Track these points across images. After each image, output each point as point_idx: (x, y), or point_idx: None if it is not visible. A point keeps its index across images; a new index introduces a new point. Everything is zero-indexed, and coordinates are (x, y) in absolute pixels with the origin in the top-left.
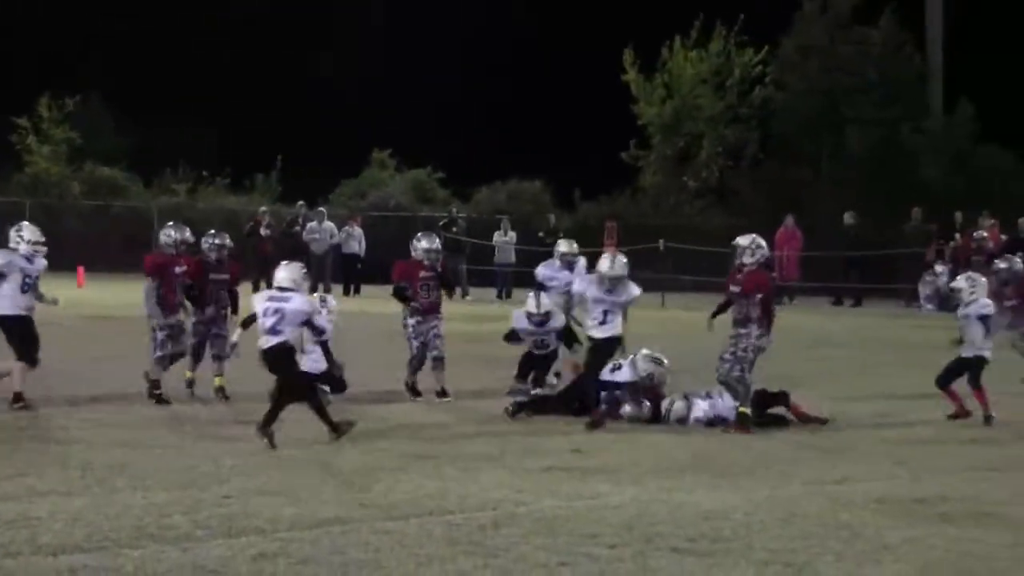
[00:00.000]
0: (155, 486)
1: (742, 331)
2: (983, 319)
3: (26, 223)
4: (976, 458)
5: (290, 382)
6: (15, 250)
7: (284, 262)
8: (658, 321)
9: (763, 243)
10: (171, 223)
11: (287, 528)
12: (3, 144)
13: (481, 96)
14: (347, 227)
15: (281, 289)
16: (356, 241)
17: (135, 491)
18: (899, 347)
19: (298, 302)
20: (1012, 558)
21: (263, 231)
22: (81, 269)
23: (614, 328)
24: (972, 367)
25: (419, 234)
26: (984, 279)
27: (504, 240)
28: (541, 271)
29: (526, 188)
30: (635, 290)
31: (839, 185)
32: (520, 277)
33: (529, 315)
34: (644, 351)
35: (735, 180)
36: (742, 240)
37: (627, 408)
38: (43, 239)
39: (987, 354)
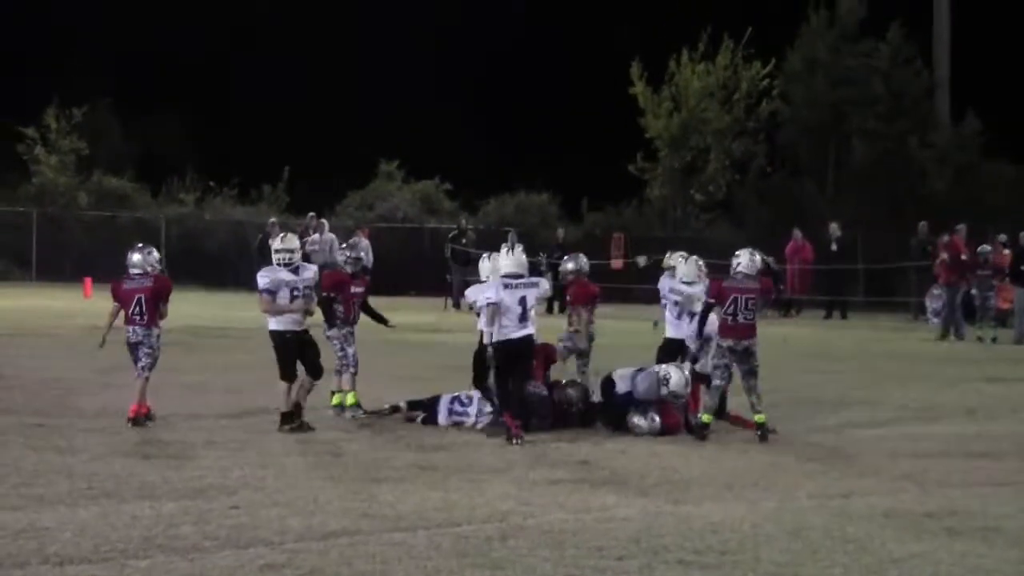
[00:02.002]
0: (162, 497)
1: None
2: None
3: (286, 233)
4: (984, 472)
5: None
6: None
7: (505, 250)
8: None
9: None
10: (347, 244)
11: (295, 539)
12: (10, 154)
13: (489, 108)
14: (354, 238)
15: (516, 276)
16: (363, 253)
17: (142, 502)
18: (906, 360)
19: (544, 286)
20: (1019, 574)
21: (272, 242)
22: (89, 280)
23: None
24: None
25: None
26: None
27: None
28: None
29: (533, 200)
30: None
31: (845, 198)
32: None
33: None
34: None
35: (742, 193)
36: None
37: (637, 421)
38: (290, 247)
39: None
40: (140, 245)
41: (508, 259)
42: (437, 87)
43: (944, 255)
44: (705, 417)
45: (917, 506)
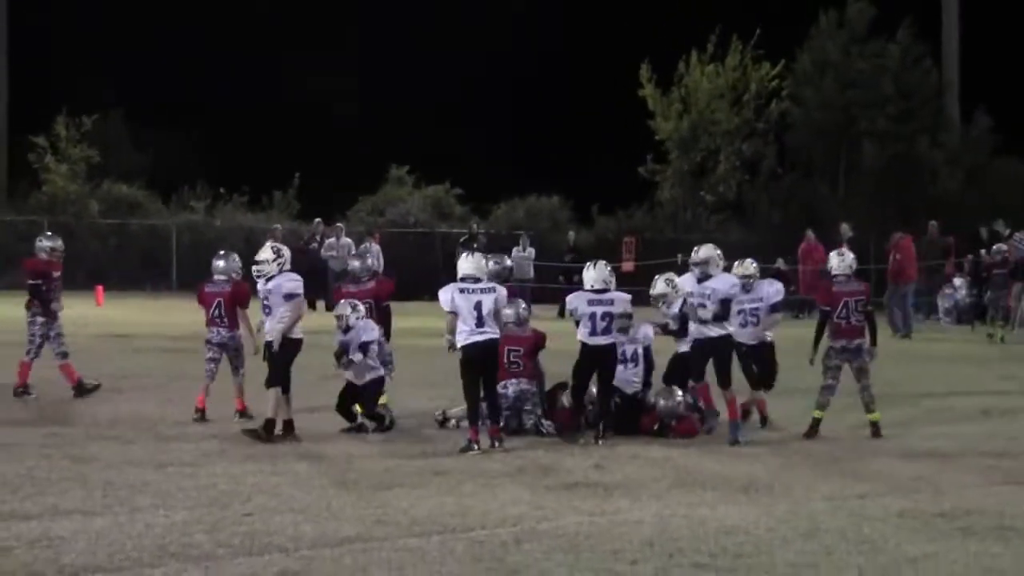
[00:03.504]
0: (176, 505)
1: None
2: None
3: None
4: (998, 472)
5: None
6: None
7: (464, 253)
8: None
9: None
10: (356, 252)
11: (309, 546)
12: (21, 163)
13: (498, 112)
14: (365, 244)
15: (473, 279)
16: (374, 258)
17: (157, 510)
18: (918, 360)
19: (502, 293)
20: None
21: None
22: (100, 288)
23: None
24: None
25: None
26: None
27: (522, 256)
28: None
29: (544, 204)
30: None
31: (856, 199)
32: (539, 293)
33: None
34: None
35: (752, 194)
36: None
37: (663, 401)
38: (259, 257)
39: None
40: (223, 252)
41: (466, 262)
42: (446, 92)
43: (896, 256)
44: (816, 413)
45: (932, 506)
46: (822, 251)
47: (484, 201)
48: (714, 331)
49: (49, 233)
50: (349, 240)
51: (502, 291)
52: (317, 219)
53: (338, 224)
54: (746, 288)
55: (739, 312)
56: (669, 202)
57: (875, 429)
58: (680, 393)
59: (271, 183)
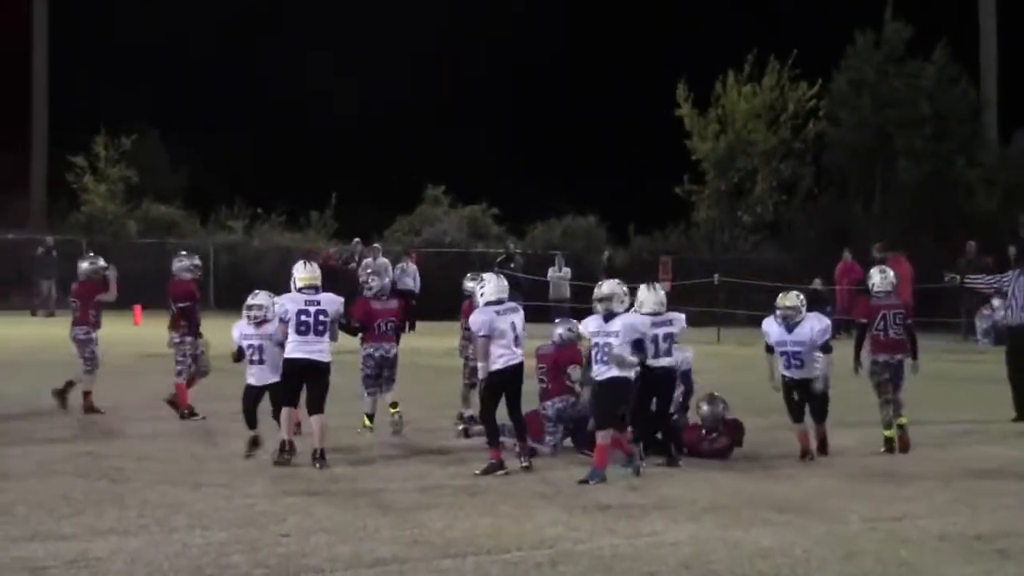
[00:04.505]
0: (213, 525)
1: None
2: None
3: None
4: None
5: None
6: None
7: (491, 276)
8: (713, 355)
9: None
10: (371, 269)
11: (345, 567)
12: (60, 183)
13: (536, 132)
14: (402, 263)
15: (499, 302)
16: (410, 277)
17: (193, 530)
18: (956, 381)
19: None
20: None
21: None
22: (139, 308)
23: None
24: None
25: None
26: None
27: (559, 276)
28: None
29: (580, 224)
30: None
31: (892, 219)
32: (575, 312)
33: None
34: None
35: (789, 214)
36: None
37: (704, 407)
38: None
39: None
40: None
41: (492, 286)
42: (483, 111)
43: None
44: (888, 432)
45: (969, 528)
46: (859, 270)
47: (520, 221)
48: (613, 373)
49: (184, 252)
50: (386, 260)
51: (520, 309)
52: (356, 239)
53: (375, 245)
54: (788, 324)
55: (782, 354)
56: (706, 222)
57: (902, 433)
58: (723, 400)
59: (309, 203)
